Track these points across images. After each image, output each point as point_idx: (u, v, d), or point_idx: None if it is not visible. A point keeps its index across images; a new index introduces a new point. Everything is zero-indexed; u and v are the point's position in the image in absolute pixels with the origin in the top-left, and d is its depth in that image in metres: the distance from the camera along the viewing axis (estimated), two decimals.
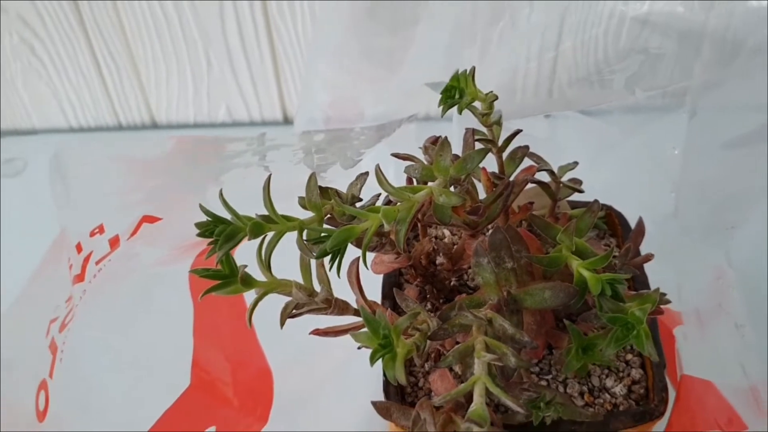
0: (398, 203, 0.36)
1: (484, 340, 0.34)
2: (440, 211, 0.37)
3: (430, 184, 0.38)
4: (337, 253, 0.36)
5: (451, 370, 0.42)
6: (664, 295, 0.37)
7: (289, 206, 0.38)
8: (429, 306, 0.47)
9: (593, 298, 0.37)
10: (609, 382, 0.43)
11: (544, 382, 0.42)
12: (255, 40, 0.76)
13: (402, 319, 0.34)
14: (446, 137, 0.38)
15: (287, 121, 0.84)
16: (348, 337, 0.43)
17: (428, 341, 0.36)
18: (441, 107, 0.39)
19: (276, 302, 0.40)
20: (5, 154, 0.84)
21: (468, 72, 0.38)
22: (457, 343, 0.42)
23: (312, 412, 0.53)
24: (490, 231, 0.38)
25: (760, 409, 0.42)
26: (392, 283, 0.47)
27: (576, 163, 0.48)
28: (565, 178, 0.48)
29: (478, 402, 0.32)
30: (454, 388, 0.40)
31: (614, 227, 0.51)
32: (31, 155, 0.84)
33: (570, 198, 0.49)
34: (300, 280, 0.40)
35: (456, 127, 0.48)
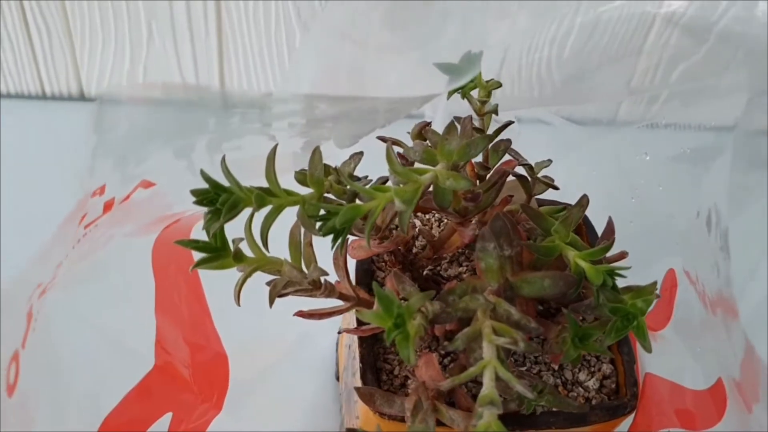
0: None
1: (491, 325, 0.33)
2: (442, 195, 0.37)
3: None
4: (342, 231, 0.35)
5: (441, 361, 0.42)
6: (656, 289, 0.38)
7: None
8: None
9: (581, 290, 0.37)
10: (582, 376, 0.44)
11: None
12: (203, 14, 0.73)
13: (414, 299, 0.33)
14: (453, 120, 0.37)
15: (225, 105, 0.82)
16: (299, 324, 0.41)
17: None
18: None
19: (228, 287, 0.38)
20: None
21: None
22: (448, 330, 0.42)
23: (261, 399, 0.52)
24: (492, 218, 0.37)
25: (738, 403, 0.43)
26: (366, 270, 0.47)
27: (550, 161, 0.48)
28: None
29: (488, 386, 0.32)
30: (439, 375, 0.39)
31: (578, 226, 0.52)
32: None
33: (537, 196, 0.50)
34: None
35: (440, 117, 0.48)
